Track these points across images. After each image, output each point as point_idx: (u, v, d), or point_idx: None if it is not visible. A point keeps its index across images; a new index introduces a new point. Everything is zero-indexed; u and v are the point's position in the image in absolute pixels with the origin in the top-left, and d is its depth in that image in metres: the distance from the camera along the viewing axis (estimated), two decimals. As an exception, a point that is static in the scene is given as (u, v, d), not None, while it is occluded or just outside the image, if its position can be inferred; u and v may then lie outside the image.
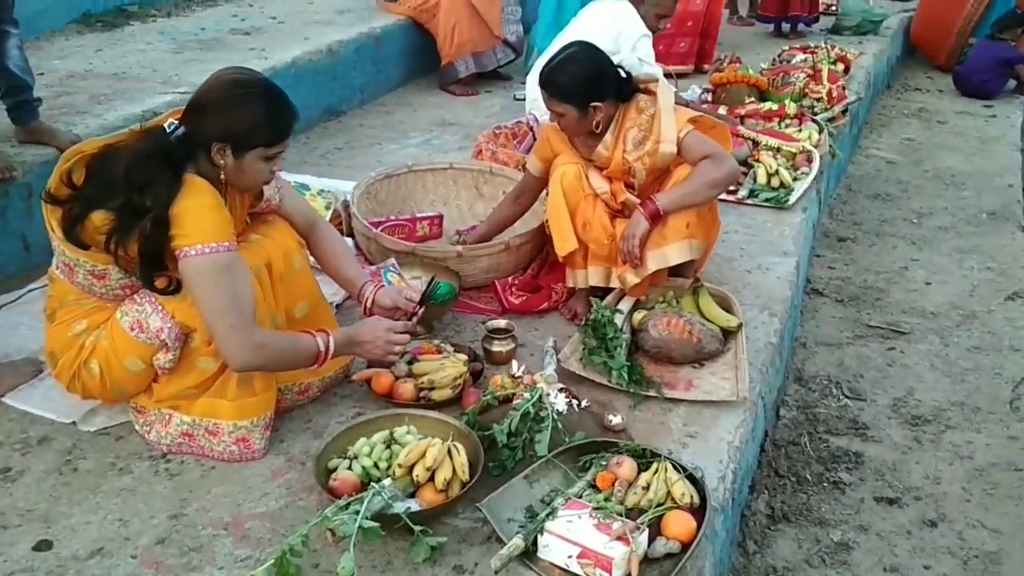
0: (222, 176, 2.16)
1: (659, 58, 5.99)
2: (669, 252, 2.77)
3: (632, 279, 2.79)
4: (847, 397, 3.23)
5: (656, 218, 2.74)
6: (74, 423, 2.43)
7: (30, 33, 4.81)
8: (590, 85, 2.75)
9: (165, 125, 2.15)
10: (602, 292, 2.93)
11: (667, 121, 2.76)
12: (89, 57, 4.64)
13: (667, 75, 5.96)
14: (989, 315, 3.77)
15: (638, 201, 2.78)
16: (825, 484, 2.78)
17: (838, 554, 2.52)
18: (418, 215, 3.48)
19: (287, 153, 4.47)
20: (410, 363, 2.58)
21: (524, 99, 5.27)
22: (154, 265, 2.11)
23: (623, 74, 2.84)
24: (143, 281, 2.14)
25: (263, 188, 2.35)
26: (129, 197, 2.04)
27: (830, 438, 3.00)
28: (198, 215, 2.07)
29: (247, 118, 2.10)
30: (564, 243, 2.84)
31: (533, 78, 4.53)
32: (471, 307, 3.06)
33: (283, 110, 2.17)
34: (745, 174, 3.98)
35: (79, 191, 2.11)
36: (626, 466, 2.14)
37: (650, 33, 4.03)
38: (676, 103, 4.27)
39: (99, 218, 2.07)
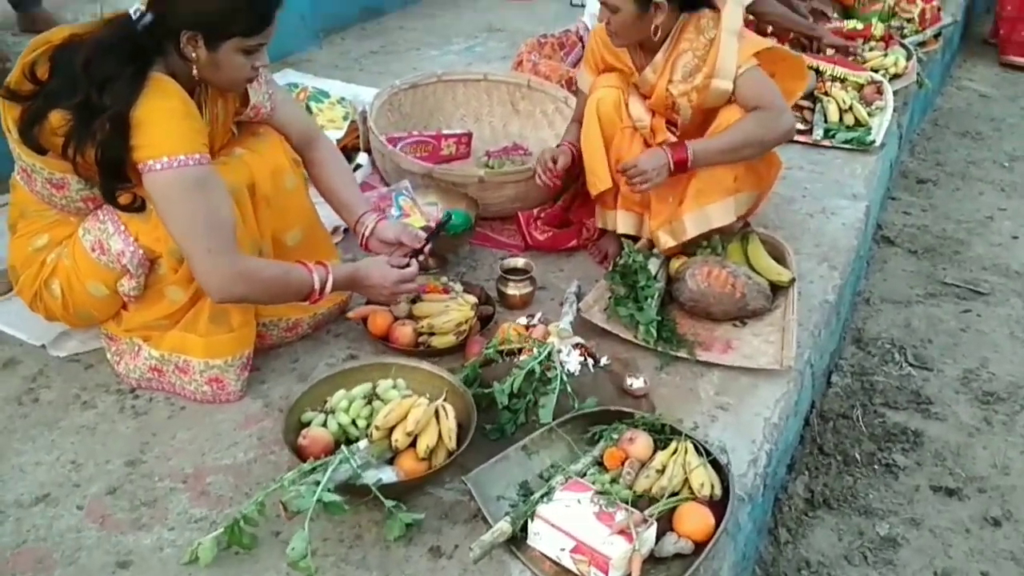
0: (195, 72, 1.86)
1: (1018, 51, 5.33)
2: (712, 212, 2.40)
3: (667, 240, 2.44)
4: (911, 365, 2.86)
5: (682, 167, 2.34)
6: (44, 346, 2.23)
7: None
8: None
9: (131, 11, 1.85)
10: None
11: (727, 51, 2.32)
12: (114, -59, 4.34)
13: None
14: (1083, 278, 3.34)
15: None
16: (876, 467, 2.45)
17: (883, 551, 2.21)
18: (445, 132, 3.15)
19: (317, 55, 4.26)
20: (413, 302, 2.31)
21: (582, 5, 4.85)
22: (115, 177, 1.84)
23: None
24: (104, 195, 1.89)
25: (249, 92, 2.05)
26: (88, 94, 1.76)
27: (887, 412, 2.66)
28: (162, 122, 1.79)
29: (220, 1, 1.79)
30: (597, 180, 2.49)
31: None
32: (491, 240, 2.75)
33: None
34: (812, 109, 3.54)
35: (42, 86, 1.84)
36: (640, 443, 1.85)
37: None
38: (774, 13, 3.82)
39: (56, 118, 1.80)
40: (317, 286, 2.00)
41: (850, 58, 3.93)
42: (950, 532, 2.27)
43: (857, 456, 2.48)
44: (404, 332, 2.22)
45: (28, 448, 1.95)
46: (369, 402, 1.90)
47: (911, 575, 2.16)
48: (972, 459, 2.50)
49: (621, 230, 2.56)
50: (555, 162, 2.52)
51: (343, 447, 1.76)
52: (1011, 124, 4.72)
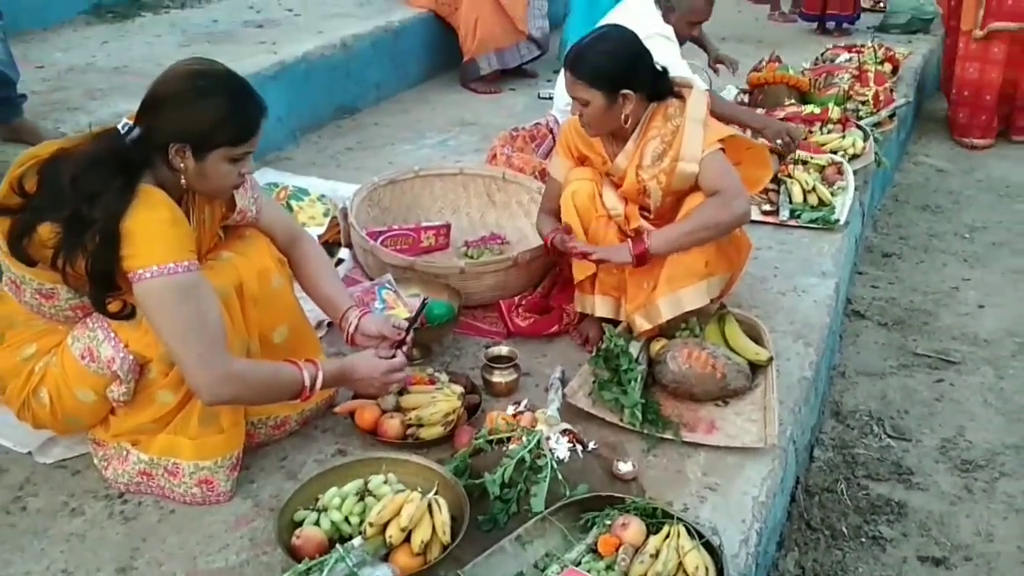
0: (183, 181, 1.92)
1: (962, 132, 5.53)
2: (684, 297, 2.47)
3: (643, 324, 2.51)
4: (890, 436, 2.91)
5: (643, 260, 2.45)
6: (30, 453, 2.22)
7: (38, 24, 4.67)
8: (623, 69, 2.41)
9: (119, 126, 1.91)
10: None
11: (692, 136, 2.44)
12: (93, 50, 4.44)
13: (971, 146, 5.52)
14: (1049, 344, 3.43)
15: (650, 229, 2.50)
16: (863, 539, 2.48)
17: (876, 625, 2.22)
18: (424, 224, 3.22)
19: (295, 153, 4.34)
20: (400, 394, 2.33)
21: (549, 98, 5.01)
22: (105, 286, 1.87)
23: (659, 69, 2.52)
24: (94, 304, 1.91)
25: (235, 198, 2.11)
26: (77, 208, 1.80)
27: (870, 484, 2.69)
28: (152, 232, 1.83)
29: (207, 114, 1.86)
30: (581, 268, 2.57)
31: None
32: (474, 328, 2.79)
33: (248, 104, 1.92)
34: (777, 191, 3.67)
35: (30, 200, 1.88)
36: (633, 528, 1.87)
37: (667, 34, 3.57)
38: (723, 112, 3.89)
39: (46, 231, 1.84)
40: (307, 383, 2.02)
41: (806, 136, 4.07)
42: (941, 603, 2.29)
43: (844, 529, 2.50)
44: (392, 425, 2.24)
45: (17, 558, 1.93)
46: (361, 498, 1.92)
47: (906, 649, 2.17)
48: (956, 528, 2.53)
49: (599, 314, 2.62)
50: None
51: (337, 545, 1.76)
52: (968, 196, 4.89)
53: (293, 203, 3.21)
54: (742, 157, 2.58)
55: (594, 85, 2.41)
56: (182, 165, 1.89)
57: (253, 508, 2.07)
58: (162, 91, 1.89)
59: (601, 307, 2.61)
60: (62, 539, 1.98)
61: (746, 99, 4.72)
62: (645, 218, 2.55)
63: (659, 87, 2.50)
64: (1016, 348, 3.41)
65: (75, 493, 2.12)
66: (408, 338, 2.26)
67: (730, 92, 4.79)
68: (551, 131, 3.87)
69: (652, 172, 2.47)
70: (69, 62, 4.20)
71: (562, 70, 4.21)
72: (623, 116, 2.45)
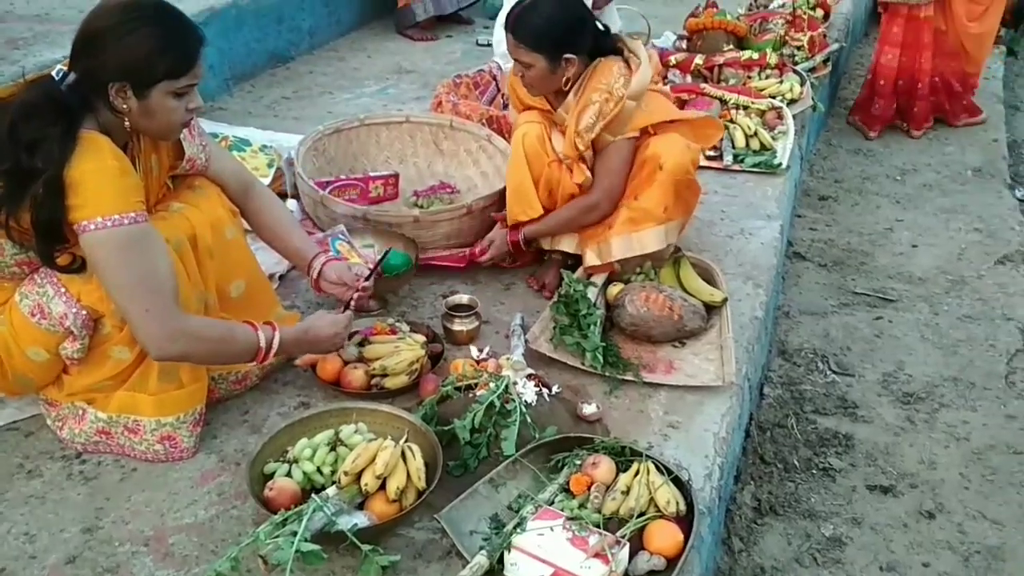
0: (127, 124, 1.83)
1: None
2: (643, 239, 2.54)
3: (592, 259, 2.58)
4: (834, 372, 3.01)
5: (518, 249, 2.67)
6: (-23, 417, 2.15)
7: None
8: (565, 32, 2.42)
9: (53, 72, 1.82)
10: (574, 262, 2.68)
11: (625, 114, 2.47)
12: (10, -3, 4.21)
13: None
14: (979, 280, 3.57)
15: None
16: (814, 471, 2.57)
17: (830, 551, 2.32)
18: (371, 174, 3.16)
19: (229, 103, 4.20)
20: (360, 345, 2.31)
21: (488, 44, 4.95)
22: (52, 239, 1.80)
23: (600, 28, 2.53)
24: (41, 258, 1.84)
25: (183, 145, 2.04)
26: (17, 159, 1.72)
27: (818, 418, 2.79)
28: (98, 181, 1.75)
29: (141, 47, 1.76)
30: (528, 208, 2.59)
31: (502, 20, 4.18)
32: (434, 259, 2.75)
33: (183, 32, 1.83)
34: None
35: None
36: (603, 467, 1.91)
37: None
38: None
39: None
40: (263, 346, 1.98)
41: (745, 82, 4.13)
42: (889, 528, 2.39)
43: (796, 462, 2.60)
44: (356, 375, 2.22)
45: (-26, 523, 1.88)
46: (332, 448, 1.90)
47: (858, 572, 2.26)
48: (901, 457, 2.64)
49: (566, 250, 2.67)
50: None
51: (313, 496, 1.75)
52: (898, 139, 5.02)
53: (235, 154, 3.12)
54: (682, 131, 2.60)
55: (536, 49, 2.42)
56: (125, 106, 1.81)
57: (218, 463, 2.04)
58: (92, 29, 1.79)
59: (568, 244, 2.66)
60: (21, 501, 1.93)
61: (684, 45, 4.73)
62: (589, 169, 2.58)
63: (600, 46, 2.50)
64: (949, 285, 3.55)
65: (30, 455, 2.06)
66: (368, 285, 2.24)
67: (668, 38, 4.80)
68: (494, 78, 3.82)
69: (585, 140, 2.50)
70: (-16, 10, 3.98)
71: (499, 17, 4.20)
72: (564, 80, 2.46)
